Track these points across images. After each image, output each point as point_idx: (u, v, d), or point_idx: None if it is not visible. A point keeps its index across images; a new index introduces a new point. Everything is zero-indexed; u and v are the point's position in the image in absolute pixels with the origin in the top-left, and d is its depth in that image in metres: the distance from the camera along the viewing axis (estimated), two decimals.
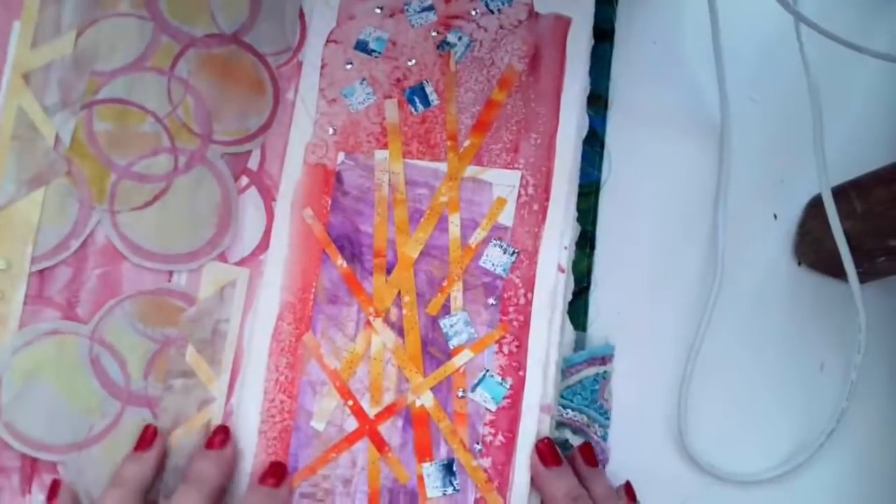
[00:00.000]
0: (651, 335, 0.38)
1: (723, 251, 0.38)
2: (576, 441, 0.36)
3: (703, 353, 0.37)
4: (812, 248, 0.38)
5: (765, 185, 0.40)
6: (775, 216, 0.40)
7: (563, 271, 0.36)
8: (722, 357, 0.38)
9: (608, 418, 0.37)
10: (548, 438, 0.34)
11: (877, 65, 0.35)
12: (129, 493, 0.33)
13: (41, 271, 0.37)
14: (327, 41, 0.38)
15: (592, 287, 0.38)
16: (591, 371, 0.37)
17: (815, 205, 0.38)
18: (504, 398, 0.35)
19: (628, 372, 0.37)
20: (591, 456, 0.35)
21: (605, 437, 0.37)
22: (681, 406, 0.37)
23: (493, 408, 0.35)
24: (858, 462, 0.38)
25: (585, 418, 0.36)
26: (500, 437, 0.35)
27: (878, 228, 0.35)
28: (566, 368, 0.37)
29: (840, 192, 0.36)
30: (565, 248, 0.36)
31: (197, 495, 0.32)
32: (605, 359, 0.37)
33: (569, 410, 0.36)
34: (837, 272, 0.37)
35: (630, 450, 0.37)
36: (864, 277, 0.36)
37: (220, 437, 0.34)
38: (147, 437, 0.34)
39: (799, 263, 0.40)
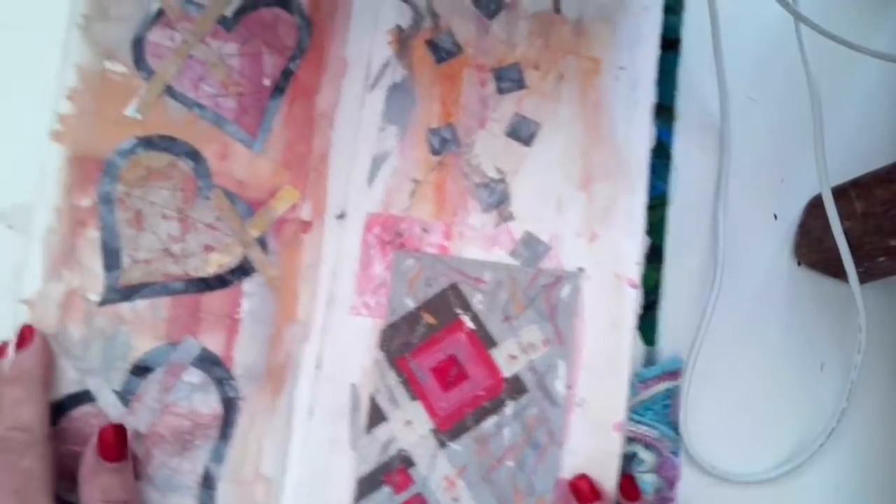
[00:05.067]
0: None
1: (723, 251, 0.37)
2: (647, 456, 0.36)
3: (703, 353, 0.36)
4: (812, 248, 0.37)
5: (765, 185, 0.38)
6: (775, 216, 0.39)
7: (635, 287, 0.35)
8: (722, 357, 0.37)
9: (679, 433, 0.36)
10: (584, 476, 0.33)
11: (877, 65, 0.35)
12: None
13: None
14: None
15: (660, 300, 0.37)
16: (662, 386, 0.36)
17: (815, 205, 0.37)
18: None
19: None
20: (633, 489, 0.34)
21: (676, 453, 0.36)
22: (681, 406, 0.36)
23: None
24: (858, 462, 0.37)
25: (657, 433, 0.35)
26: None
27: (878, 228, 0.34)
28: (638, 384, 0.35)
29: (840, 192, 0.35)
30: (637, 263, 0.35)
31: (25, 390, 0.31)
32: (675, 373, 0.36)
33: (641, 426, 0.35)
34: (837, 272, 0.36)
35: None
36: (864, 277, 0.35)
37: (24, 332, 0.33)
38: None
39: (799, 263, 0.39)
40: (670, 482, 0.35)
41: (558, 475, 0.33)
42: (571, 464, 0.33)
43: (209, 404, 0.34)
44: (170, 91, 0.36)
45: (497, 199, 0.35)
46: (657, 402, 0.36)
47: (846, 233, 0.34)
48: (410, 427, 0.34)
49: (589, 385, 0.34)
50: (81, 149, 0.35)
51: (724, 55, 0.38)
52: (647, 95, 0.36)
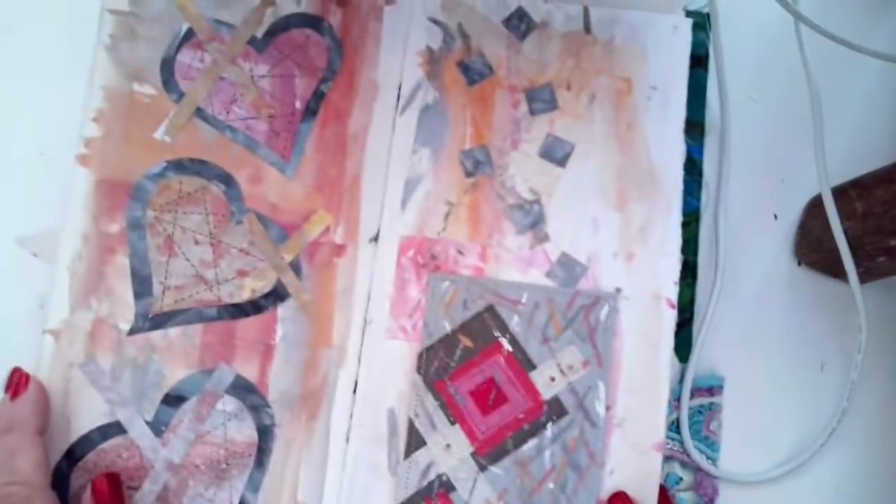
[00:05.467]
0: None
1: (723, 251, 0.38)
2: (684, 474, 0.36)
3: (702, 354, 0.37)
4: (812, 248, 0.38)
5: (765, 185, 0.39)
6: (775, 216, 0.39)
7: (673, 307, 0.34)
8: (722, 357, 0.37)
9: (716, 450, 0.36)
10: (621, 493, 0.33)
11: (877, 65, 0.35)
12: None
13: None
14: None
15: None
16: (695, 403, 0.36)
17: (815, 205, 0.38)
18: None
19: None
20: (666, 501, 0.34)
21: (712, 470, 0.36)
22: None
23: None
24: (859, 462, 0.37)
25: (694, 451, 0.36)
26: None
27: (878, 228, 0.34)
28: (674, 401, 0.36)
29: (840, 192, 0.36)
30: (674, 283, 0.34)
31: (19, 440, 0.30)
32: (712, 390, 0.37)
33: (677, 443, 0.36)
34: (837, 272, 0.36)
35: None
36: (864, 277, 0.35)
37: (19, 378, 0.32)
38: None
39: (799, 263, 0.39)
40: (709, 499, 0.36)
41: (599, 497, 0.33)
42: (612, 485, 0.33)
43: (244, 432, 0.34)
44: (200, 113, 0.35)
45: (532, 220, 0.35)
46: (693, 419, 0.36)
47: (846, 233, 0.35)
48: (450, 451, 0.33)
49: (628, 405, 0.34)
50: (109, 173, 0.34)
51: (723, 55, 0.38)
52: (679, 114, 0.36)
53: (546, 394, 0.34)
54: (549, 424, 0.34)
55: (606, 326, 0.34)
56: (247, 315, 0.34)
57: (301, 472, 0.34)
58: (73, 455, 0.33)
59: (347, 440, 0.34)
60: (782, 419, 0.37)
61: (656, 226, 0.35)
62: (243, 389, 0.34)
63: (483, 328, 0.34)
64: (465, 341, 0.34)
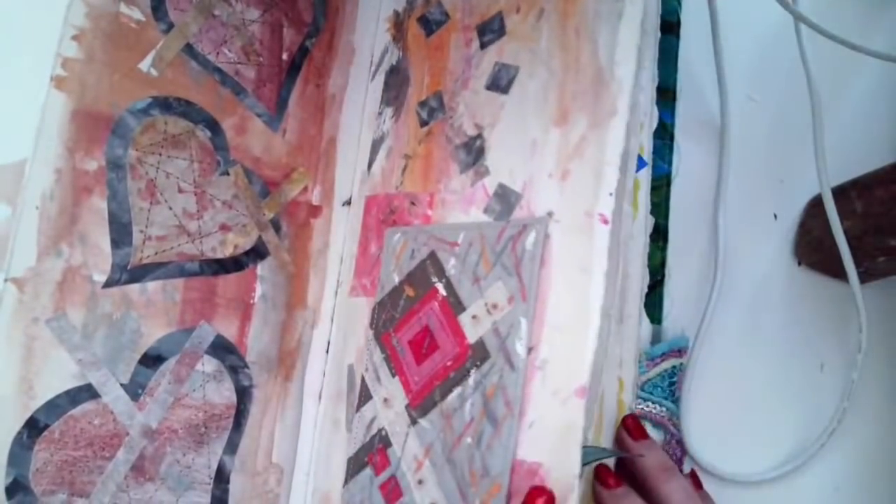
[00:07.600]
0: None
1: (723, 251, 0.38)
2: (654, 434, 0.35)
3: (703, 353, 0.37)
4: (812, 248, 0.38)
5: (765, 185, 0.39)
6: (775, 216, 0.39)
7: (607, 223, 0.28)
8: (722, 357, 0.37)
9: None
10: (632, 414, 0.31)
11: (877, 65, 0.35)
12: None
13: None
14: None
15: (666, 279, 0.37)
16: (668, 363, 0.36)
17: (815, 205, 0.38)
18: None
19: None
20: (638, 429, 0.32)
21: (681, 430, 0.36)
22: (681, 406, 0.36)
23: None
24: (859, 462, 0.37)
25: (665, 411, 0.36)
26: None
27: (878, 228, 0.34)
28: (646, 361, 0.35)
29: (840, 192, 0.36)
30: (610, 194, 0.29)
31: None
32: (681, 350, 0.36)
33: (649, 403, 0.36)
34: (837, 272, 0.36)
35: None
36: (864, 277, 0.35)
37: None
38: None
39: (799, 263, 0.39)
40: (677, 460, 0.36)
41: (514, 455, 0.28)
42: (530, 441, 0.28)
43: (223, 394, 0.32)
44: (189, 50, 0.33)
45: (474, 156, 0.33)
46: (664, 379, 0.36)
47: (846, 233, 0.35)
48: (388, 404, 0.32)
49: (553, 343, 0.28)
50: (88, 101, 0.31)
51: (724, 55, 0.38)
52: (636, 5, 0.30)
53: (471, 337, 0.30)
54: (473, 371, 0.30)
55: (533, 255, 0.30)
56: (227, 272, 0.33)
57: (276, 433, 0.33)
58: (37, 424, 0.29)
59: (320, 399, 0.33)
60: (782, 419, 0.37)
61: (596, 134, 0.30)
62: (223, 349, 0.32)
63: (423, 276, 0.32)
64: (408, 291, 0.33)
